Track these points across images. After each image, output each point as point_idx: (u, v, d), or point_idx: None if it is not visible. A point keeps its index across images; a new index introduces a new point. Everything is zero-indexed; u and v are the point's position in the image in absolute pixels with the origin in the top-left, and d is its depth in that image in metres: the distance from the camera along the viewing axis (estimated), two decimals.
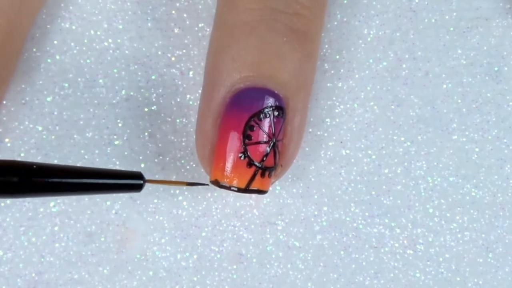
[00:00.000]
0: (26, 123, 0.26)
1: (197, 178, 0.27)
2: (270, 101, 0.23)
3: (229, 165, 0.23)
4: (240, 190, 0.23)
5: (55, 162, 0.26)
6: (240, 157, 0.23)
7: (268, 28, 0.23)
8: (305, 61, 0.23)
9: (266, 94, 0.23)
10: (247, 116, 0.23)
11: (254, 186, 0.23)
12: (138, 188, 0.22)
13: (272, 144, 0.23)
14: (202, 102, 0.24)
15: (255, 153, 0.23)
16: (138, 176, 0.22)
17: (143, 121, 0.27)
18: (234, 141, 0.23)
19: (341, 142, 0.27)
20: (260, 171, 0.23)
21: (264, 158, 0.23)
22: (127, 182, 0.21)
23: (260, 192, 0.23)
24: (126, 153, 0.27)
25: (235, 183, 0.23)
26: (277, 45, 0.23)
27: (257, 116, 0.23)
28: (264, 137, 0.23)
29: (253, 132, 0.23)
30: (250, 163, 0.23)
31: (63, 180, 0.20)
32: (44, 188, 0.19)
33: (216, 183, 0.23)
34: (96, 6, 0.27)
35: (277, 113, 0.23)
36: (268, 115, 0.23)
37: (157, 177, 0.27)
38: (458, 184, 0.27)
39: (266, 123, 0.23)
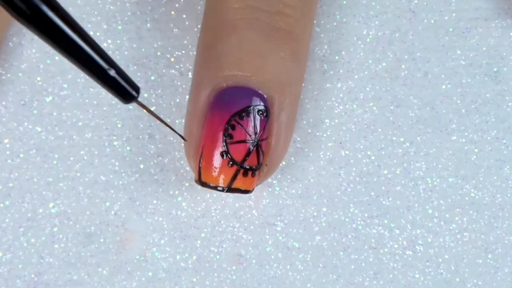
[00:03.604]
0: (26, 123, 0.26)
1: None
2: (252, 100, 0.23)
3: (211, 164, 0.23)
4: (223, 189, 0.23)
5: (54, 162, 0.26)
6: (222, 156, 0.23)
7: (250, 27, 0.23)
8: (289, 60, 0.23)
9: (248, 93, 0.23)
10: (228, 115, 0.23)
11: (236, 185, 0.23)
12: (127, 98, 0.19)
13: (254, 143, 0.23)
14: (189, 101, 0.24)
15: (236, 152, 0.23)
16: (136, 88, 0.19)
17: (142, 122, 0.27)
18: (215, 140, 0.23)
19: (340, 142, 0.27)
20: (242, 170, 0.23)
21: (246, 158, 0.23)
22: (123, 84, 0.18)
23: (244, 191, 0.23)
24: (125, 154, 0.27)
25: (217, 182, 0.23)
26: (258, 44, 0.23)
27: (239, 115, 0.23)
28: (246, 136, 0.23)
29: (234, 131, 0.23)
30: (232, 162, 0.23)
31: (66, 30, 0.16)
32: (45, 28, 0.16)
33: (200, 182, 0.23)
34: (95, 7, 0.27)
35: (260, 112, 0.23)
36: (250, 114, 0.23)
37: (156, 178, 0.27)
38: (457, 185, 0.27)
39: (248, 122, 0.23)
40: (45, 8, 0.16)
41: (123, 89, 0.18)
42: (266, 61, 0.23)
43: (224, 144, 0.23)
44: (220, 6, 0.23)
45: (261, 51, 0.23)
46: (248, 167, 0.23)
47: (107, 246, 0.26)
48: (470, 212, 0.27)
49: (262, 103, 0.23)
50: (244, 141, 0.23)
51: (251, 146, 0.23)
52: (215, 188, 0.23)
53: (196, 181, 0.24)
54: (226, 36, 0.23)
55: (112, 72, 0.18)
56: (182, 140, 0.27)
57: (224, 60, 0.23)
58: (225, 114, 0.23)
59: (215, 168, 0.23)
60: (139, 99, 0.19)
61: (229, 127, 0.23)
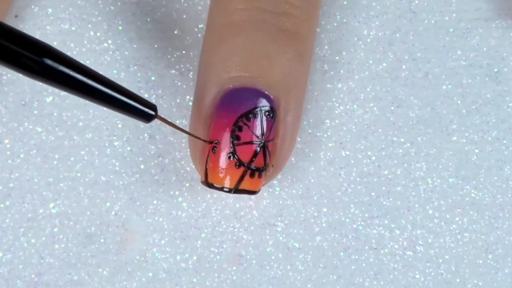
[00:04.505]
0: (26, 124, 0.26)
1: (197, 179, 0.27)
2: (259, 101, 0.23)
3: (218, 165, 0.23)
4: (230, 190, 0.23)
5: (54, 163, 0.26)
6: (229, 157, 0.23)
7: (256, 28, 0.23)
8: (295, 61, 0.23)
9: (255, 95, 0.23)
10: (235, 116, 0.23)
11: (243, 187, 0.23)
12: (147, 118, 0.20)
13: (261, 144, 0.23)
14: (194, 103, 0.24)
15: (243, 153, 0.23)
16: (152, 107, 0.20)
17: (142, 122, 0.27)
18: (223, 142, 0.23)
19: (341, 143, 0.27)
20: (249, 171, 0.23)
21: (253, 159, 0.23)
22: (140, 107, 0.20)
23: (251, 192, 0.23)
24: (125, 154, 0.27)
25: (224, 183, 0.23)
26: (265, 45, 0.23)
27: (246, 116, 0.23)
28: (253, 138, 0.23)
29: (241, 132, 0.23)
30: (239, 164, 0.23)
31: (75, 75, 0.18)
32: (53, 76, 0.18)
33: (206, 183, 0.23)
34: (96, 7, 0.27)
35: (266, 113, 0.23)
36: (257, 116, 0.23)
37: (156, 178, 0.27)
38: (457, 185, 0.27)
39: (255, 124, 0.23)
40: (50, 62, 0.18)
41: (141, 112, 0.20)
42: (273, 63, 0.23)
43: (231, 145, 0.23)
44: (225, 7, 0.23)
45: (268, 52, 0.23)
46: (255, 168, 0.23)
47: (108, 246, 0.26)
48: (470, 213, 0.27)
49: (268, 104, 0.23)
50: (251, 142, 0.23)
51: (258, 147, 0.23)
52: (221, 189, 0.23)
53: (202, 182, 0.24)
54: (232, 37, 0.23)
55: (122, 97, 0.19)
56: (182, 141, 0.27)
57: (231, 61, 0.23)
58: (232, 115, 0.23)
59: (222, 169, 0.23)
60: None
61: (236, 129, 0.23)
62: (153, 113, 0.20)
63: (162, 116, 0.21)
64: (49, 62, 0.18)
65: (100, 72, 0.26)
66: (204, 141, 0.23)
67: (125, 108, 0.20)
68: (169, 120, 0.22)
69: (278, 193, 0.27)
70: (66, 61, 0.18)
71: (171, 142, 0.27)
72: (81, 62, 0.26)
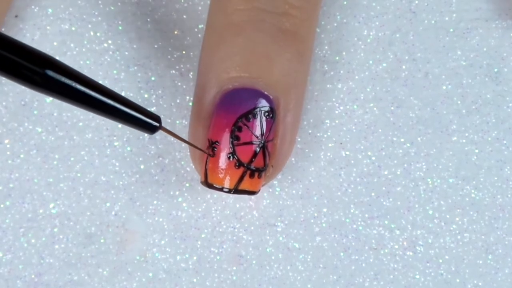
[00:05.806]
0: (26, 124, 0.26)
1: (197, 179, 0.27)
2: (259, 102, 0.23)
3: (217, 166, 0.23)
4: (229, 191, 0.23)
5: (54, 163, 0.26)
6: (229, 157, 0.23)
7: (256, 29, 0.23)
8: (294, 61, 0.23)
9: (255, 95, 0.23)
10: (235, 117, 0.23)
11: (243, 187, 0.23)
12: (151, 129, 0.20)
13: (261, 144, 0.23)
14: (193, 103, 0.24)
15: (243, 153, 0.23)
16: (156, 118, 0.20)
17: None
18: (222, 142, 0.23)
19: (341, 143, 0.27)
20: (249, 171, 0.23)
21: (253, 159, 0.23)
22: (144, 118, 0.20)
23: (251, 192, 0.23)
24: (125, 154, 0.27)
25: (223, 183, 0.23)
26: (265, 46, 0.23)
27: (245, 116, 0.23)
28: (253, 138, 0.23)
29: (241, 133, 0.23)
30: (239, 164, 0.23)
31: (78, 87, 0.18)
32: (56, 88, 0.18)
33: (206, 183, 0.23)
34: (96, 8, 0.27)
35: (266, 113, 0.23)
36: (256, 116, 0.23)
37: (156, 178, 0.27)
38: (457, 186, 0.27)
39: (254, 124, 0.23)
40: (52, 73, 0.18)
41: (145, 123, 0.20)
42: (273, 63, 0.23)
43: (231, 145, 0.23)
44: (225, 8, 0.23)
45: (268, 52, 0.23)
46: (254, 168, 0.23)
47: (108, 246, 0.26)
48: (470, 213, 0.27)
49: (268, 105, 0.23)
50: (250, 143, 0.23)
51: (257, 148, 0.23)
52: (221, 189, 0.23)
53: (202, 182, 0.24)
54: (232, 37, 0.23)
55: (126, 109, 0.19)
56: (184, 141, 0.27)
57: (230, 61, 0.23)
58: (231, 115, 0.23)
59: (222, 169, 0.23)
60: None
61: (236, 129, 0.23)
62: (157, 124, 0.20)
63: (166, 127, 0.21)
64: (51, 73, 0.17)
65: (100, 73, 0.27)
66: (206, 152, 0.23)
67: (129, 120, 0.20)
68: (173, 131, 0.22)
69: (278, 193, 0.27)
70: (68, 73, 0.18)
71: (171, 142, 0.27)
72: (82, 62, 0.27)
